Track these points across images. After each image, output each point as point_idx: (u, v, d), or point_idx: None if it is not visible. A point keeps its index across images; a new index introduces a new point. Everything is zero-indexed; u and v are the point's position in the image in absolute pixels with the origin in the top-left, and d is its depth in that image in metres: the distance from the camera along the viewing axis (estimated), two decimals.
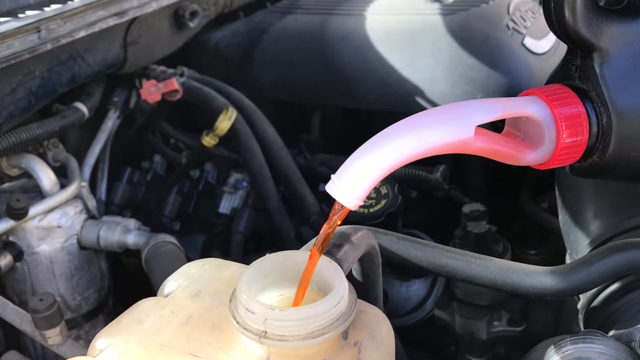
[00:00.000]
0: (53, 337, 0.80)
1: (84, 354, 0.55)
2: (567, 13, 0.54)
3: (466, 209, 1.09)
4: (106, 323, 0.66)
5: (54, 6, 1.02)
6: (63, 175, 1.18)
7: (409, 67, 1.26)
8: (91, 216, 1.17)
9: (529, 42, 1.26)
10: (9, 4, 1.00)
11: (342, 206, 0.56)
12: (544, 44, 1.28)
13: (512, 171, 1.36)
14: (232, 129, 1.22)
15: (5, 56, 0.94)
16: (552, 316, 1.09)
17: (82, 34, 1.04)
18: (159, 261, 0.96)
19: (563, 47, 0.63)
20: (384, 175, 0.56)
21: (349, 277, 0.70)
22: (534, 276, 0.72)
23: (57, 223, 1.11)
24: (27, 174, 1.16)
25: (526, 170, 1.35)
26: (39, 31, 0.98)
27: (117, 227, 1.13)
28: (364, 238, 0.65)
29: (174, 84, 1.22)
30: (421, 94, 1.23)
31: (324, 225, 0.57)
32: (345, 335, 0.55)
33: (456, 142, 0.55)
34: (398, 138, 0.55)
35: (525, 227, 1.32)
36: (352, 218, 0.84)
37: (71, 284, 1.15)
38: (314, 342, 0.50)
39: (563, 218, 0.90)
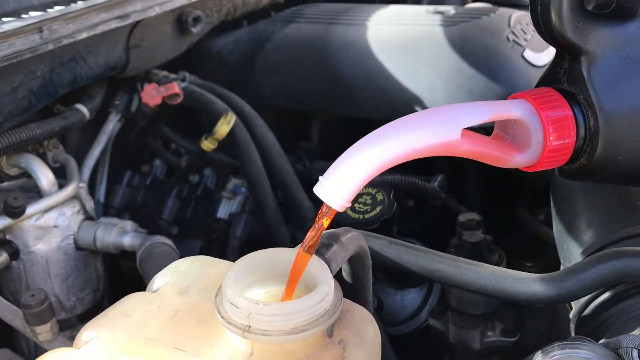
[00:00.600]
0: (44, 333, 0.80)
1: None
2: (553, 16, 0.55)
3: (462, 218, 1.09)
4: None
5: (57, 8, 1.03)
6: (62, 177, 1.19)
7: (408, 77, 1.27)
8: (89, 217, 1.17)
9: (529, 54, 1.27)
10: (13, 5, 1.01)
11: (330, 208, 0.56)
12: (544, 57, 1.29)
13: (509, 183, 1.37)
14: (231, 133, 1.23)
15: (6, 55, 0.95)
16: (545, 327, 1.09)
17: (84, 35, 1.05)
18: (152, 262, 0.97)
19: None
20: (371, 176, 0.56)
21: (339, 278, 0.70)
22: (525, 282, 0.72)
23: (54, 223, 1.11)
24: (27, 174, 1.16)
25: (523, 182, 1.36)
26: (41, 31, 0.99)
27: (113, 229, 1.13)
28: (353, 239, 0.65)
29: (175, 87, 1.23)
30: (420, 103, 1.24)
31: (312, 227, 0.57)
32: (330, 333, 0.55)
33: (443, 144, 0.56)
34: (385, 140, 0.55)
35: (522, 239, 1.31)
36: (347, 224, 0.85)
37: (66, 285, 1.15)
38: (297, 338, 0.50)
39: (557, 228, 0.91)
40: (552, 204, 0.93)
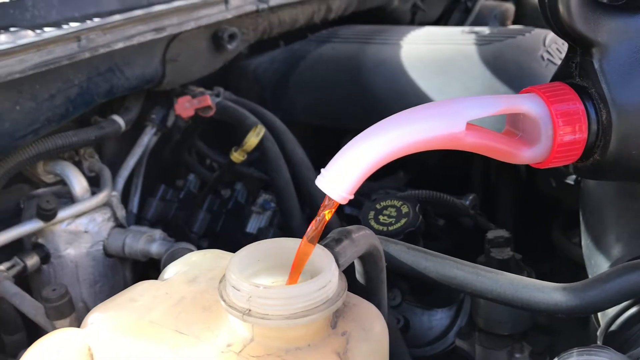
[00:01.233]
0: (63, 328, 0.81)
1: None
2: (561, 8, 0.54)
3: (490, 234, 1.07)
4: None
5: (96, 19, 1.07)
6: (97, 186, 1.22)
7: (440, 94, 1.26)
8: (119, 225, 1.19)
9: None
10: (56, 16, 1.06)
11: (331, 199, 0.56)
12: None
13: (543, 204, 1.34)
14: (261, 146, 1.24)
15: (45, 61, 0.99)
16: None
17: (120, 45, 1.09)
18: None
19: None
20: (374, 168, 0.55)
21: (352, 279, 0.69)
22: (546, 292, 0.70)
23: (84, 228, 1.14)
24: (62, 182, 1.20)
25: (559, 203, 1.32)
26: (79, 40, 1.03)
27: (142, 236, 1.15)
28: (365, 237, 0.64)
29: (207, 100, 1.25)
30: None
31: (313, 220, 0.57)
32: (333, 324, 0.54)
33: (447, 136, 0.55)
34: (388, 130, 0.55)
35: (556, 262, 1.27)
36: None
37: (94, 290, 1.17)
38: (297, 323, 0.49)
39: (585, 242, 0.88)
40: (580, 217, 0.90)
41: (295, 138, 1.30)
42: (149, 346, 0.51)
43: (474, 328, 1.08)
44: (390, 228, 1.01)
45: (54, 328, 0.84)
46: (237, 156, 1.25)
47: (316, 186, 1.25)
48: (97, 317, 0.56)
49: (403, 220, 1.02)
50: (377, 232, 1.02)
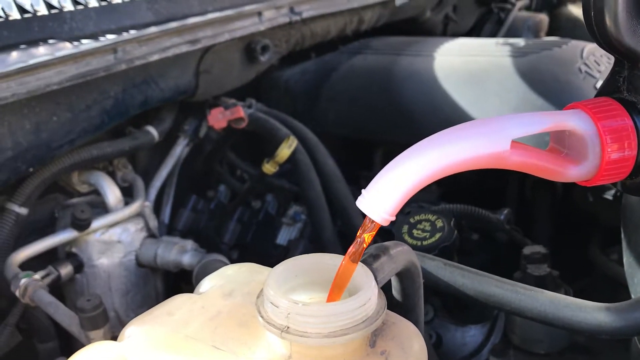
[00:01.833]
0: (97, 339, 0.81)
1: None
2: (608, 21, 0.52)
3: (527, 250, 1.05)
4: None
5: (132, 32, 1.08)
6: (130, 197, 1.23)
7: (474, 106, 1.25)
8: (151, 235, 1.20)
9: None
10: (93, 28, 1.07)
11: (373, 221, 0.55)
12: None
13: (581, 220, 1.31)
14: (293, 158, 1.24)
15: (82, 72, 1.00)
16: None
17: (156, 57, 1.09)
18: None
19: None
20: (416, 189, 0.54)
21: (389, 296, 0.68)
22: (588, 311, 0.68)
23: (117, 238, 1.14)
24: (96, 192, 1.21)
25: (596, 219, 1.29)
26: (115, 52, 1.04)
27: (174, 247, 1.15)
28: (403, 253, 0.63)
29: (240, 111, 1.25)
30: None
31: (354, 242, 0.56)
32: (372, 343, 0.53)
33: (491, 155, 0.53)
34: (430, 150, 0.54)
35: (594, 280, 1.24)
36: None
37: (126, 300, 1.17)
38: (335, 341, 0.48)
39: (627, 260, 0.85)
40: (622, 234, 0.88)
41: (326, 150, 1.29)
42: None
43: (509, 345, 1.06)
44: (425, 243, 1.00)
45: (88, 338, 0.84)
46: (269, 168, 1.25)
47: (348, 198, 1.24)
48: (133, 330, 0.55)
49: (438, 235, 1.00)
50: (411, 247, 1.01)
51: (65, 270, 1.10)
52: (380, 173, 0.54)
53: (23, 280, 0.95)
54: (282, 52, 1.43)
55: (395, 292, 0.68)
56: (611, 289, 1.20)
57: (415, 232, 1.02)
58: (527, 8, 2.21)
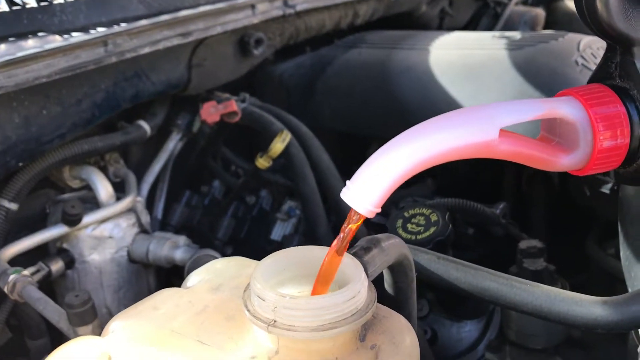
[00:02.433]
0: (85, 335, 0.79)
1: None
2: (599, 6, 0.51)
3: (523, 244, 1.03)
4: None
5: (123, 24, 1.07)
6: (122, 192, 1.21)
7: (471, 100, 1.23)
8: (143, 230, 1.19)
9: None
10: (83, 21, 1.05)
11: (358, 213, 0.53)
12: None
13: (578, 213, 1.29)
14: (287, 153, 1.22)
15: (72, 65, 0.98)
16: None
17: (147, 50, 1.08)
18: None
19: None
20: (401, 179, 0.53)
21: (381, 290, 0.67)
22: (584, 305, 0.67)
23: (109, 233, 1.13)
24: (88, 187, 1.19)
25: (593, 213, 1.28)
26: (105, 45, 1.02)
27: (166, 242, 1.14)
28: (395, 246, 0.62)
29: (233, 105, 1.24)
30: None
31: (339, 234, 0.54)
32: (362, 337, 0.52)
33: (480, 144, 0.52)
34: (416, 139, 0.52)
35: (591, 274, 1.23)
36: None
37: (118, 297, 1.16)
38: (324, 335, 0.47)
39: (624, 254, 0.84)
40: (619, 228, 0.86)
41: (321, 144, 1.28)
42: (170, 356, 0.49)
43: (505, 341, 1.05)
44: (419, 237, 0.98)
45: (76, 334, 0.83)
46: (262, 162, 1.24)
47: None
48: (118, 325, 0.54)
49: (432, 229, 0.99)
50: (405, 241, 1.00)
51: (56, 266, 1.09)
52: (365, 164, 0.53)
53: (12, 277, 0.94)
54: (276, 46, 1.42)
55: (388, 285, 0.66)
56: (608, 283, 1.19)
57: (409, 226, 1.00)
58: (524, 2, 2.20)
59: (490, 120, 0.52)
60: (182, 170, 1.43)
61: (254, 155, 1.40)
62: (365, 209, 0.52)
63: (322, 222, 1.17)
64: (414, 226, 1.00)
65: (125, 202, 1.15)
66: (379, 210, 0.53)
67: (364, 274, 0.51)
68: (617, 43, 0.55)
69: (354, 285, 0.49)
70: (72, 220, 1.07)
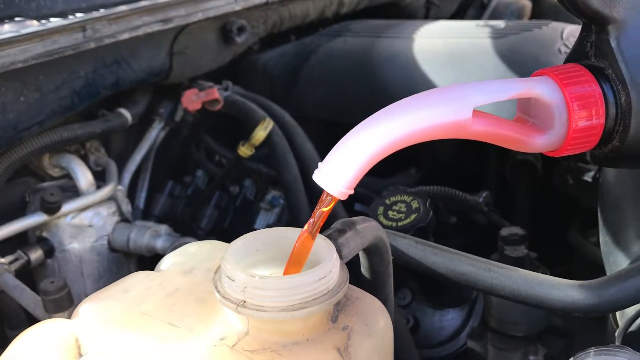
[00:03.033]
0: None
1: None
2: None
3: (504, 232, 1.03)
4: None
5: (102, 10, 1.05)
6: (103, 181, 1.20)
7: None
8: (124, 219, 1.17)
9: None
10: (61, 6, 1.04)
11: (330, 195, 0.53)
12: None
13: (561, 202, 1.29)
14: (269, 141, 1.22)
15: (49, 51, 0.97)
16: None
17: (126, 36, 1.07)
18: None
19: None
20: (374, 160, 0.52)
21: (357, 273, 0.66)
22: (562, 289, 0.67)
23: (89, 222, 1.12)
24: (68, 176, 1.18)
25: (576, 202, 1.28)
26: (84, 30, 1.01)
27: (147, 231, 1.13)
28: (370, 228, 0.61)
29: (215, 93, 1.23)
30: None
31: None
32: (334, 318, 0.51)
33: (452, 124, 0.51)
34: (387, 119, 0.52)
35: (573, 262, 1.23)
36: None
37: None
38: (294, 315, 0.47)
39: (603, 239, 0.84)
40: (599, 214, 0.87)
41: (304, 133, 1.27)
42: (138, 338, 0.49)
43: (487, 329, 1.05)
44: (400, 224, 0.98)
45: None
46: (244, 150, 1.23)
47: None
48: (87, 307, 0.53)
49: (413, 216, 0.98)
50: (386, 228, 1.00)
51: (35, 254, 1.07)
52: (337, 145, 0.52)
53: None
54: (259, 34, 1.41)
55: (364, 269, 0.66)
56: (591, 272, 1.19)
57: (390, 213, 1.00)
58: None
59: (463, 99, 0.52)
60: (165, 160, 1.42)
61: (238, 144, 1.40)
62: (338, 191, 0.51)
63: (304, 210, 1.17)
64: (395, 213, 1.00)
65: (106, 191, 1.14)
66: (352, 191, 0.52)
67: (335, 254, 0.51)
68: (592, 21, 0.54)
69: (325, 265, 0.49)
70: (51, 208, 1.05)
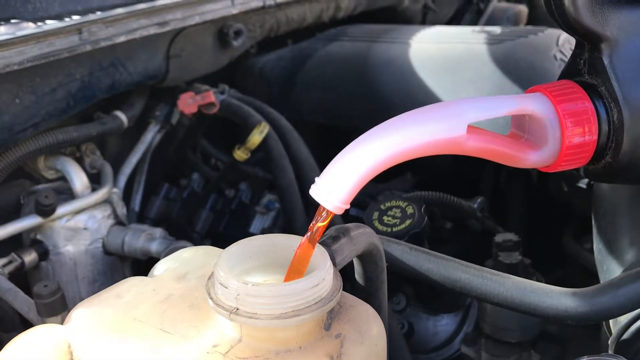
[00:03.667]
0: None
1: None
2: (566, 1, 0.51)
3: (498, 238, 1.03)
4: None
5: (98, 13, 1.05)
6: (99, 183, 1.20)
7: (450, 94, 1.23)
8: (119, 222, 1.17)
9: None
10: (58, 9, 1.04)
11: (327, 210, 0.53)
12: None
13: (556, 209, 1.30)
14: (265, 145, 1.22)
15: (45, 53, 0.97)
16: None
17: (122, 39, 1.07)
18: None
19: None
20: (369, 176, 0.53)
21: (351, 279, 0.66)
22: (555, 297, 0.67)
23: (84, 225, 1.12)
24: (64, 178, 1.18)
25: (571, 209, 1.28)
26: (80, 33, 1.01)
27: (142, 234, 1.13)
28: (364, 235, 0.61)
29: (211, 96, 1.23)
30: None
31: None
32: (327, 326, 0.51)
33: (447, 140, 0.52)
34: (384, 136, 0.52)
35: (567, 269, 1.24)
36: None
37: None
38: (287, 323, 0.47)
39: (597, 247, 0.84)
40: (593, 221, 0.87)
41: (300, 137, 1.27)
42: (130, 344, 0.48)
43: (481, 335, 1.05)
44: (395, 229, 0.98)
45: None
46: (240, 154, 1.23)
47: None
48: (80, 313, 0.53)
49: (408, 222, 0.98)
50: (381, 234, 1.00)
51: (29, 257, 1.07)
52: (333, 161, 0.53)
53: None
54: (256, 38, 1.41)
55: (358, 275, 0.66)
56: (585, 279, 1.19)
57: (385, 218, 1.00)
58: None
59: (457, 116, 0.52)
60: (161, 163, 1.41)
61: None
62: (333, 206, 0.52)
63: (299, 215, 1.17)
64: (390, 219, 1.00)
65: (101, 193, 1.14)
66: (348, 206, 0.53)
67: (329, 262, 0.51)
68: (584, 39, 0.55)
69: (318, 273, 0.49)
70: (45, 211, 1.05)
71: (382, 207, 1.01)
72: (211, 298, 0.49)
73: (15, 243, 1.10)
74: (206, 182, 1.46)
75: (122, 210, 1.19)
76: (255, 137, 1.18)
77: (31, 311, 0.85)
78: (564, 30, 0.55)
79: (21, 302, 0.87)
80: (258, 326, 0.47)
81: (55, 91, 1.06)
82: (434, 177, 1.37)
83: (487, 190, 1.34)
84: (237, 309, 0.47)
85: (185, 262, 0.60)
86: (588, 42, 0.54)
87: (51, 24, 0.99)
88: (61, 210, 1.08)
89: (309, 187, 1.29)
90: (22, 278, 1.11)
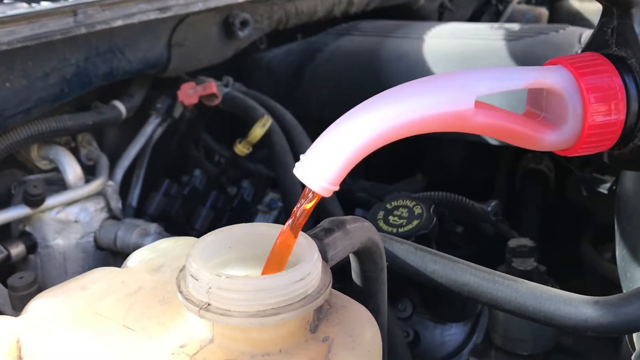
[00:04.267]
0: None
1: None
2: None
3: (512, 243, 0.97)
4: None
5: None
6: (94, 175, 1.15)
7: None
8: (113, 216, 1.12)
9: None
10: None
11: (312, 192, 0.46)
12: None
13: (573, 213, 1.23)
14: (268, 140, 1.16)
15: (37, 34, 0.92)
16: None
17: (120, 23, 1.02)
18: None
19: None
20: (362, 153, 0.46)
21: (349, 279, 0.60)
22: (574, 305, 0.60)
23: (75, 217, 1.07)
24: (58, 169, 1.13)
25: (590, 215, 1.21)
26: (75, 15, 0.96)
27: (135, 229, 1.08)
28: (362, 229, 0.55)
29: (212, 87, 1.17)
30: None
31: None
32: (313, 327, 0.45)
33: (452, 114, 0.45)
34: (379, 107, 0.46)
35: (585, 278, 1.16)
36: None
37: None
38: (264, 322, 0.40)
39: (620, 253, 0.77)
40: (616, 226, 0.80)
41: (305, 132, 1.22)
42: (86, 341, 0.43)
43: (491, 346, 0.98)
44: (401, 230, 0.92)
45: None
46: (241, 148, 1.18)
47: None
48: (38, 304, 0.48)
49: (415, 222, 0.92)
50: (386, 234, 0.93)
51: (17, 249, 1.02)
52: (322, 135, 0.46)
53: None
54: (264, 30, 1.35)
55: (354, 274, 0.60)
56: (604, 289, 1.12)
57: (391, 218, 0.94)
58: (527, 1, 2.14)
59: (465, 87, 0.46)
60: (162, 158, 1.36)
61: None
62: (320, 187, 0.45)
63: None
64: (396, 219, 0.93)
65: (94, 185, 1.09)
66: (337, 188, 0.46)
67: (317, 255, 0.45)
68: (613, 4, 0.48)
69: (304, 266, 0.43)
70: (34, 201, 1.00)
71: (388, 206, 0.95)
72: (180, 292, 0.43)
73: (3, 234, 1.05)
74: (208, 178, 1.40)
75: (117, 204, 1.14)
76: (257, 131, 1.13)
77: (7, 304, 0.79)
78: None
79: None
80: (231, 325, 0.41)
81: (49, 76, 1.01)
82: (445, 179, 1.31)
83: (501, 193, 1.28)
84: (209, 305, 0.41)
85: (162, 253, 0.54)
86: (617, 7, 0.48)
87: (45, 4, 0.95)
88: (51, 201, 1.03)
89: None
90: (9, 271, 1.06)
